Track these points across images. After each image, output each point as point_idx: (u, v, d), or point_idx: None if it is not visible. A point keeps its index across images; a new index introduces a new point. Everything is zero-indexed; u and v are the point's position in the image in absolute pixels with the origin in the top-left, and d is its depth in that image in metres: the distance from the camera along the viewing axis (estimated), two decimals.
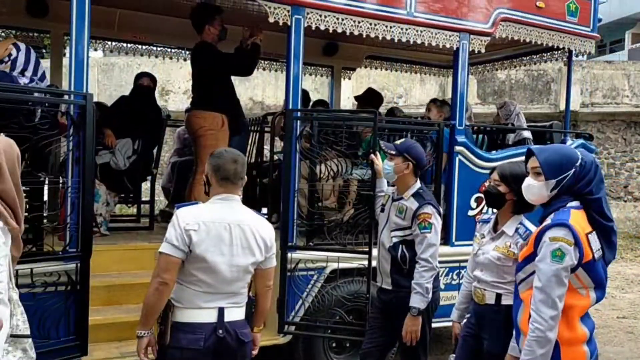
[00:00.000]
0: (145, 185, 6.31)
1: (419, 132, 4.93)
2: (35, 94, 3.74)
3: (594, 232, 2.30)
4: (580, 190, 2.33)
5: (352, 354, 4.43)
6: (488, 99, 13.88)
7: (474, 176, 4.87)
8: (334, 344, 4.41)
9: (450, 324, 4.89)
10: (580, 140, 5.59)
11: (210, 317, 2.56)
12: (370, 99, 5.82)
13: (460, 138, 4.80)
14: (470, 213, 4.87)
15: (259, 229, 2.66)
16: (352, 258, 4.17)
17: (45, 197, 4.66)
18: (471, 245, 4.80)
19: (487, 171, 4.87)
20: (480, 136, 6.13)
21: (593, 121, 14.15)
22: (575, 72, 12.85)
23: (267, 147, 5.80)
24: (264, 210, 5.34)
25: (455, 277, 4.82)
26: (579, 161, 2.35)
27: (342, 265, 4.20)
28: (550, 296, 2.23)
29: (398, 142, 3.60)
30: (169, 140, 9.42)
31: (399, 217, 3.47)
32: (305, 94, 6.26)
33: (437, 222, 3.41)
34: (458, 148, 4.77)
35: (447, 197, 4.82)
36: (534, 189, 2.44)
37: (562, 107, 13.24)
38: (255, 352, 2.85)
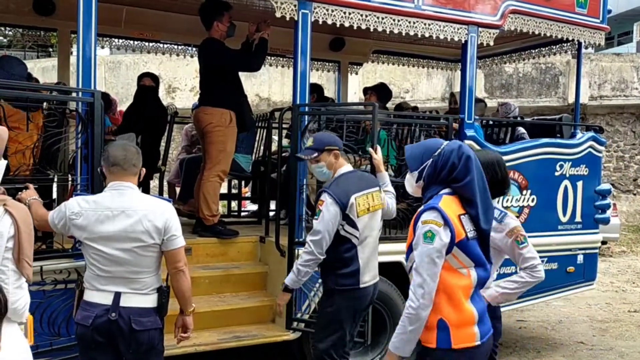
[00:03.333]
0: (154, 183, 6.33)
1: (427, 126, 4.92)
2: (43, 92, 3.75)
3: (467, 214, 2.39)
4: (445, 178, 2.43)
5: (361, 350, 4.42)
6: (496, 93, 13.81)
7: None
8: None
9: None
10: (591, 133, 5.54)
11: (105, 299, 2.67)
12: (378, 90, 5.78)
13: (470, 132, 4.76)
14: None
15: (148, 214, 2.68)
16: None
17: (55, 195, 4.68)
18: None
19: None
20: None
21: (602, 114, 14.06)
22: (584, 65, 12.73)
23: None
24: (272, 205, 5.34)
25: None
26: (438, 151, 2.45)
27: None
28: (422, 275, 2.30)
29: (308, 143, 3.47)
30: (176, 137, 9.42)
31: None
32: (319, 89, 6.25)
33: (327, 212, 3.19)
34: (467, 142, 4.72)
35: None
36: (407, 182, 2.60)
37: (570, 100, 13.18)
38: (186, 335, 3.00)
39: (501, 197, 4.85)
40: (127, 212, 2.67)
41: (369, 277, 3.38)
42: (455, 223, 2.34)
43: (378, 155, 3.73)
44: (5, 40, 19.73)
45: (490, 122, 6.14)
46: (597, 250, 5.65)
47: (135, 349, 2.70)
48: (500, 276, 4.88)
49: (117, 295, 2.67)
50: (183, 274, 2.80)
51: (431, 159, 2.45)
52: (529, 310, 6.68)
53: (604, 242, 8.52)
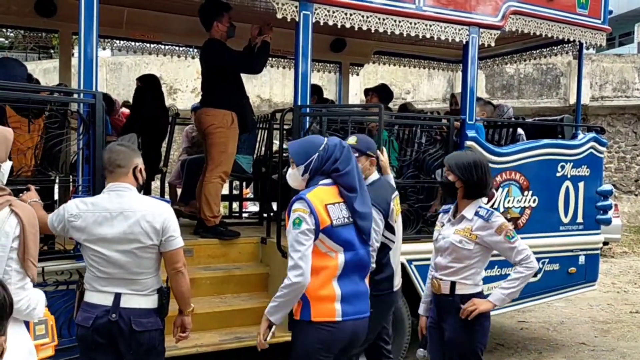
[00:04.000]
0: (155, 184, 6.33)
1: (429, 127, 4.91)
2: (45, 93, 3.75)
3: (341, 203, 2.67)
4: (328, 169, 2.69)
5: (364, 350, 4.41)
6: (497, 94, 13.81)
7: None
8: None
9: None
10: (592, 134, 5.54)
11: (105, 300, 2.67)
12: (379, 91, 5.78)
13: (471, 133, 4.76)
14: None
15: (147, 215, 2.68)
16: None
17: (56, 196, 4.68)
18: None
19: (499, 166, 4.87)
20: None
21: (603, 115, 14.06)
22: (585, 66, 12.73)
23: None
24: (274, 206, 5.34)
25: None
26: (323, 145, 2.70)
27: None
28: (294, 258, 2.56)
29: (350, 141, 3.29)
30: (178, 138, 9.43)
31: None
32: (319, 90, 6.25)
33: (374, 222, 3.01)
34: (468, 143, 4.73)
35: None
36: (291, 176, 2.77)
37: (572, 101, 13.18)
38: (185, 334, 3.01)
39: (503, 198, 4.88)
40: (125, 213, 2.67)
41: (398, 280, 3.44)
42: (320, 212, 2.59)
43: (384, 157, 3.72)
44: (6, 41, 19.77)
45: (489, 124, 6.12)
46: (598, 251, 5.65)
47: (135, 350, 2.70)
48: (502, 277, 4.91)
49: (117, 297, 2.67)
50: (182, 275, 2.80)
51: (317, 154, 2.69)
52: (531, 311, 6.68)
53: (605, 243, 8.50)
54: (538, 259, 5.07)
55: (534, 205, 5.08)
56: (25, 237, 2.07)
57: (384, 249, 3.32)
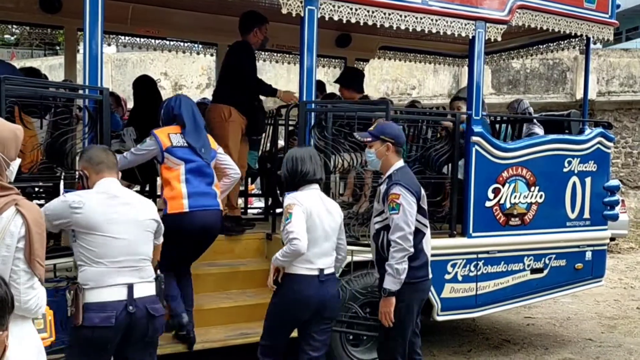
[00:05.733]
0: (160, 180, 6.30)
1: (434, 123, 4.89)
2: (51, 89, 3.75)
3: (179, 133, 3.78)
4: (169, 116, 3.92)
5: (370, 346, 4.41)
6: (503, 89, 13.75)
7: (492, 167, 4.82)
8: (351, 337, 4.39)
9: (465, 316, 4.98)
10: (599, 129, 5.50)
11: (120, 294, 2.67)
12: (351, 79, 5.72)
13: (477, 128, 4.73)
14: (488, 204, 4.81)
15: (146, 204, 2.90)
16: (366, 250, 4.13)
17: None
18: (488, 236, 4.83)
19: (505, 161, 4.85)
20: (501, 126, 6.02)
21: (610, 110, 13.98)
22: (592, 61, 12.66)
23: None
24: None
25: (472, 268, 4.77)
26: (167, 101, 4.03)
27: (357, 258, 4.16)
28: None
29: (371, 128, 3.53)
30: None
31: (378, 202, 3.44)
32: (321, 85, 6.24)
33: (407, 203, 3.22)
34: (475, 138, 4.71)
35: (463, 188, 4.77)
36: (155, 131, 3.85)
37: (578, 96, 13.10)
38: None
39: (509, 193, 4.86)
40: (128, 198, 2.81)
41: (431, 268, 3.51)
42: (163, 139, 3.72)
43: None
44: (12, 38, 19.80)
45: (496, 119, 6.10)
46: (605, 247, 5.62)
47: (151, 336, 2.77)
48: (508, 273, 4.91)
49: (131, 287, 2.69)
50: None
51: (163, 108, 3.97)
52: (537, 307, 6.66)
53: (612, 239, 8.46)
54: (545, 255, 5.15)
55: (540, 200, 5.06)
56: (30, 237, 2.06)
57: (418, 234, 3.33)
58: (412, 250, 3.22)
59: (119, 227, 2.70)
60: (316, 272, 3.21)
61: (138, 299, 2.70)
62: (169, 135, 3.75)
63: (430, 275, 3.48)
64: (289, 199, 3.20)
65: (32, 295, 2.10)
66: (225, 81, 4.97)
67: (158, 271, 2.93)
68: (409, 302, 3.34)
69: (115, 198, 2.77)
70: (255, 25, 4.88)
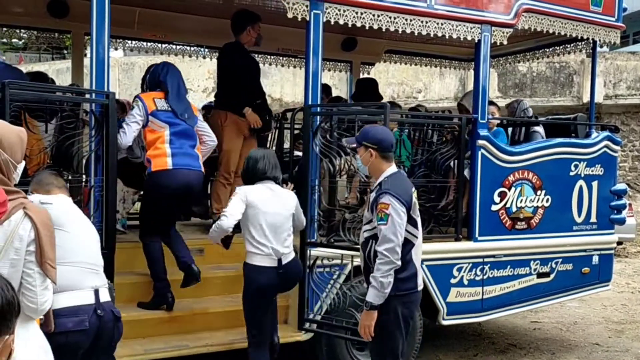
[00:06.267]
0: None
1: (440, 126, 4.89)
2: (58, 93, 3.77)
3: (163, 99, 4.06)
4: (155, 81, 4.21)
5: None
6: (509, 92, 13.71)
7: (498, 170, 4.81)
8: (356, 342, 4.38)
9: (471, 320, 4.96)
10: (606, 133, 5.48)
11: (88, 298, 2.68)
12: (364, 91, 5.77)
13: (483, 132, 4.73)
14: (494, 208, 4.80)
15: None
16: None
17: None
18: (494, 240, 4.81)
19: (512, 165, 4.84)
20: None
21: (617, 113, 13.92)
22: (599, 64, 12.62)
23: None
24: None
25: (478, 273, 4.76)
26: (154, 68, 4.30)
27: (358, 263, 4.15)
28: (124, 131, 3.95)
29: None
30: None
31: (367, 210, 3.30)
32: (327, 88, 6.25)
33: (396, 213, 3.04)
34: (480, 142, 4.70)
35: (469, 192, 4.76)
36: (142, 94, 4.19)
37: (585, 99, 13.05)
38: None
39: (515, 197, 4.84)
40: (81, 214, 2.85)
41: (421, 279, 3.29)
42: (148, 103, 4.00)
43: None
44: (20, 42, 19.93)
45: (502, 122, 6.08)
46: (612, 251, 5.59)
47: (117, 340, 2.83)
48: (514, 277, 4.89)
49: (97, 292, 2.71)
50: None
51: (149, 73, 4.26)
52: (544, 311, 6.63)
53: (619, 243, 8.42)
54: (551, 259, 5.13)
55: (547, 204, 5.04)
56: (40, 240, 2.07)
57: (407, 245, 3.14)
58: (398, 263, 3.05)
59: (81, 230, 2.71)
60: (275, 264, 3.59)
61: (104, 303, 2.72)
62: (154, 100, 4.03)
63: (420, 287, 3.26)
64: (236, 190, 3.64)
65: (48, 297, 2.12)
66: (220, 85, 5.07)
67: (108, 281, 2.94)
68: (396, 315, 3.15)
69: (72, 205, 2.79)
70: (247, 24, 4.87)
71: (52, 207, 2.59)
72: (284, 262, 3.61)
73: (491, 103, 5.51)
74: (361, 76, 7.11)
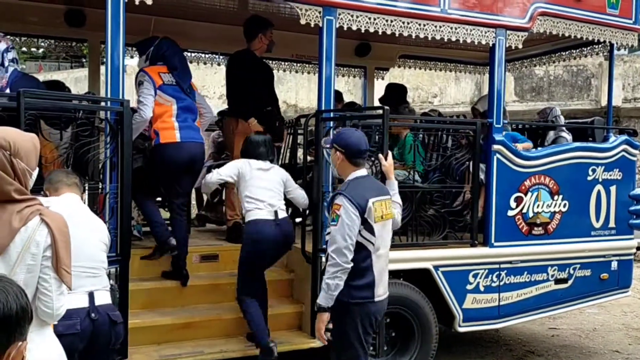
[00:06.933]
0: None
1: (454, 131, 4.86)
2: (74, 101, 3.82)
3: (169, 73, 4.26)
4: (157, 55, 4.35)
5: (389, 358, 4.39)
6: (526, 96, 13.60)
7: (514, 175, 4.76)
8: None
9: (488, 327, 4.91)
10: (624, 136, 5.41)
11: (81, 302, 2.69)
12: (390, 96, 5.78)
13: (498, 136, 4.69)
14: (510, 213, 4.75)
15: (98, 220, 2.96)
16: None
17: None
18: (511, 246, 4.76)
19: (528, 170, 4.79)
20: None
21: (636, 117, 13.70)
22: (617, 67, 12.46)
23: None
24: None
25: (495, 279, 4.71)
26: (157, 41, 4.40)
27: None
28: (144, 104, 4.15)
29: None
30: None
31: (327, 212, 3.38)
32: (338, 95, 6.25)
33: (346, 215, 2.97)
34: (496, 147, 4.67)
35: (485, 197, 4.72)
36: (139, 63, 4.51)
37: (604, 102, 12.88)
38: None
39: (532, 202, 4.79)
40: (85, 210, 2.89)
41: (382, 290, 3.16)
42: (155, 77, 4.19)
43: (388, 162, 3.56)
44: (40, 51, 20.25)
45: (518, 126, 6.04)
46: (632, 257, 5.50)
47: (114, 343, 2.82)
48: (531, 283, 4.83)
49: (92, 295, 2.72)
50: None
51: (152, 47, 4.33)
52: (562, 317, 6.53)
53: (638, 248, 8.28)
54: (569, 265, 5.06)
55: (564, 209, 4.98)
56: (56, 246, 2.09)
57: (363, 251, 3.04)
58: (347, 266, 2.97)
59: (79, 230, 2.67)
60: (272, 216, 4.05)
61: (100, 306, 2.73)
62: (159, 74, 4.21)
63: (379, 298, 3.11)
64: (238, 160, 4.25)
65: (63, 302, 2.14)
66: (230, 93, 5.10)
67: (111, 281, 2.98)
68: (355, 324, 3.06)
69: (79, 205, 2.84)
70: (259, 31, 4.92)
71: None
72: (279, 217, 4.07)
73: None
74: (375, 82, 7.11)
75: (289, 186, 4.28)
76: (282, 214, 4.13)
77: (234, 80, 4.99)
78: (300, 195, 4.32)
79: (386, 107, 4.12)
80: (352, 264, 3.00)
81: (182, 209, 4.46)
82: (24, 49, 13.57)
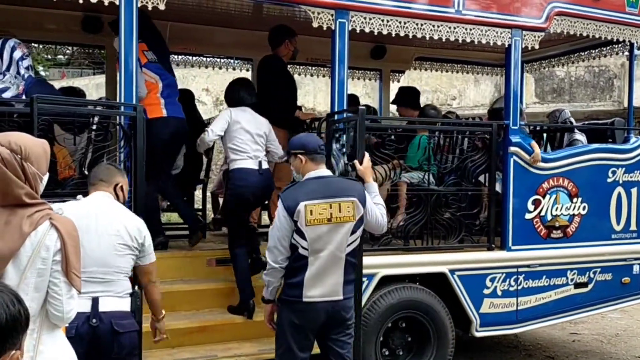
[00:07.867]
0: (197, 193, 6.40)
1: (470, 133, 4.80)
2: (89, 107, 3.86)
3: (149, 51, 4.35)
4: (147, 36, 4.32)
5: None
6: (547, 98, 13.42)
7: (531, 177, 4.69)
8: (385, 350, 4.33)
9: (506, 332, 4.83)
10: None
11: (83, 307, 2.61)
12: (403, 99, 5.75)
13: (515, 138, 4.62)
14: (528, 216, 4.68)
15: (129, 220, 2.84)
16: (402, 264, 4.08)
17: None
18: (529, 249, 4.69)
19: (546, 172, 4.71)
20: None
21: None
22: (637, 67, 12.24)
23: None
24: None
25: (512, 283, 4.63)
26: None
27: (391, 271, 4.11)
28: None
29: None
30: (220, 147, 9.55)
31: None
32: (354, 98, 6.23)
33: (278, 216, 3.09)
34: (513, 149, 4.60)
35: (502, 200, 4.65)
36: None
37: (626, 104, 12.64)
38: (159, 338, 3.14)
39: (551, 205, 4.71)
40: (110, 212, 2.80)
41: (319, 292, 3.06)
42: (140, 55, 4.02)
43: (364, 165, 3.55)
44: (64, 58, 20.59)
45: (536, 128, 5.95)
46: None
47: (118, 352, 2.72)
48: (550, 287, 4.75)
49: (95, 300, 2.68)
50: (155, 285, 3.01)
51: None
52: (583, 322, 6.42)
53: None
54: (589, 269, 4.96)
55: (583, 212, 4.89)
56: (66, 250, 2.11)
57: (294, 252, 3.07)
58: (275, 265, 3.09)
59: (90, 236, 2.67)
60: (256, 166, 4.32)
61: (103, 313, 2.68)
62: (143, 52, 4.24)
63: (308, 299, 3.04)
64: (223, 111, 4.48)
65: (73, 306, 2.16)
66: (260, 98, 4.98)
67: (136, 287, 2.92)
68: (282, 319, 3.15)
69: (96, 207, 2.78)
70: (285, 38, 5.00)
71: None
72: (263, 167, 4.34)
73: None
74: (391, 84, 7.07)
75: (270, 139, 4.48)
76: (265, 165, 4.39)
77: (269, 84, 4.98)
78: (276, 147, 4.53)
79: (362, 108, 4.12)
80: (283, 264, 3.12)
81: (176, 189, 4.71)
82: (48, 56, 13.81)
